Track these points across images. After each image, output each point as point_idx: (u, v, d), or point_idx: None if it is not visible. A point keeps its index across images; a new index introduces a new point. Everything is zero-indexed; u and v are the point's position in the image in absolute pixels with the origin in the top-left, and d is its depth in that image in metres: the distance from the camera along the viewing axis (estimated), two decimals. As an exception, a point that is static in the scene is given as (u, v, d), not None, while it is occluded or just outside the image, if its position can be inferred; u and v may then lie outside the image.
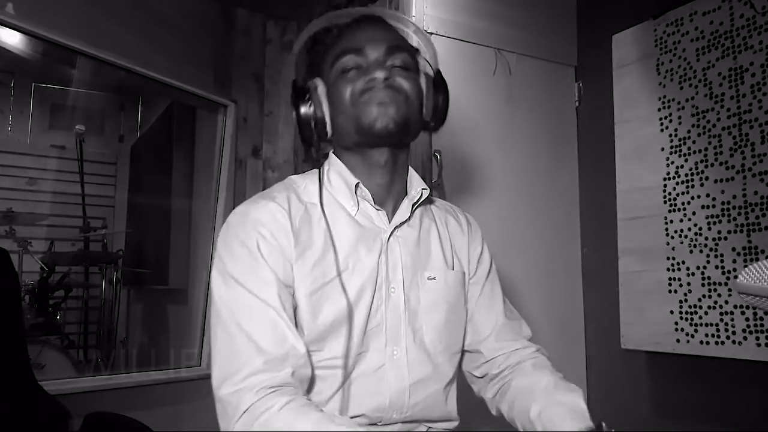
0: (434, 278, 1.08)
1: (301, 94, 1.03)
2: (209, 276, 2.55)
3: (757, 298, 0.70)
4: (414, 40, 1.16)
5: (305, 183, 1.07)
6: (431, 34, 1.96)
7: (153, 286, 3.21)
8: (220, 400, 0.88)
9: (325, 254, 0.98)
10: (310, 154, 1.07)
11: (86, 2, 2.15)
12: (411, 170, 1.11)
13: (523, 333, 1.18)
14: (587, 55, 2.26)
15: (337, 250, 1.00)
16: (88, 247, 3.52)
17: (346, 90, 1.00)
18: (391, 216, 1.07)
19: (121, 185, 4.20)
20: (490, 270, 1.19)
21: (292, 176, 1.10)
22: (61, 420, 1.60)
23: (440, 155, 1.92)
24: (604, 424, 0.90)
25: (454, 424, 1.11)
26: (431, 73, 1.10)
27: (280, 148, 2.79)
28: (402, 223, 1.07)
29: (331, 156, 1.08)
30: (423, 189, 1.09)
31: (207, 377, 2.41)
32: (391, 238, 1.06)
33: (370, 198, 1.04)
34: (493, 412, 1.15)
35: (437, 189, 1.90)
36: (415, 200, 1.09)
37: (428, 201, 1.14)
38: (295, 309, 0.97)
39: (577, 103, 2.28)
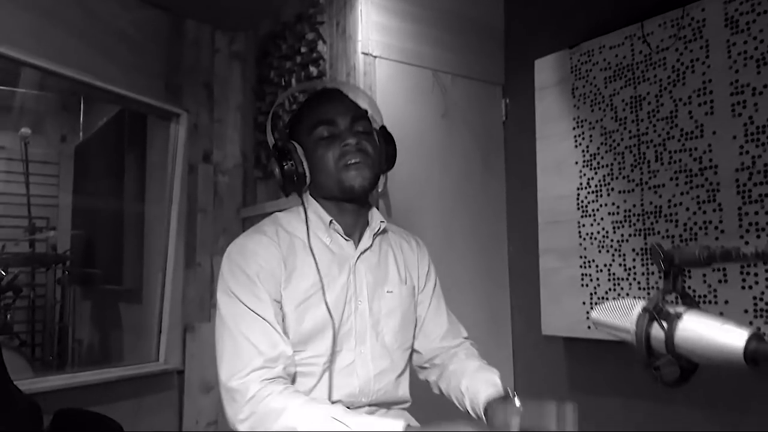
0: (392, 291, 1.36)
1: (282, 154, 1.28)
2: (163, 274, 2.66)
3: (607, 329, 0.89)
4: (365, 102, 1.45)
5: (289, 218, 1.33)
6: (376, 57, 2.16)
7: (106, 285, 3.28)
8: (229, 390, 1.12)
9: (308, 276, 1.24)
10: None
11: (40, 13, 2.21)
12: (373, 207, 1.38)
13: (461, 334, 1.49)
14: (513, 76, 2.50)
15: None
16: (34, 248, 3.56)
17: (326, 155, 1.26)
18: (357, 243, 1.34)
19: (64, 185, 4.17)
20: (435, 286, 1.48)
21: (277, 213, 1.35)
22: (38, 416, 1.72)
23: (385, 167, 2.13)
24: (509, 389, 1.20)
25: (407, 405, 1.39)
26: (377, 127, 1.39)
27: (229, 153, 2.93)
28: (366, 250, 1.34)
29: (309, 198, 1.34)
30: (381, 222, 1.37)
31: (165, 372, 2.54)
32: (358, 261, 1.32)
33: (342, 231, 1.31)
34: (435, 390, 1.45)
35: (383, 198, 2.12)
36: (376, 231, 1.36)
37: (385, 230, 1.41)
38: (283, 318, 1.21)
39: (504, 119, 2.53)
